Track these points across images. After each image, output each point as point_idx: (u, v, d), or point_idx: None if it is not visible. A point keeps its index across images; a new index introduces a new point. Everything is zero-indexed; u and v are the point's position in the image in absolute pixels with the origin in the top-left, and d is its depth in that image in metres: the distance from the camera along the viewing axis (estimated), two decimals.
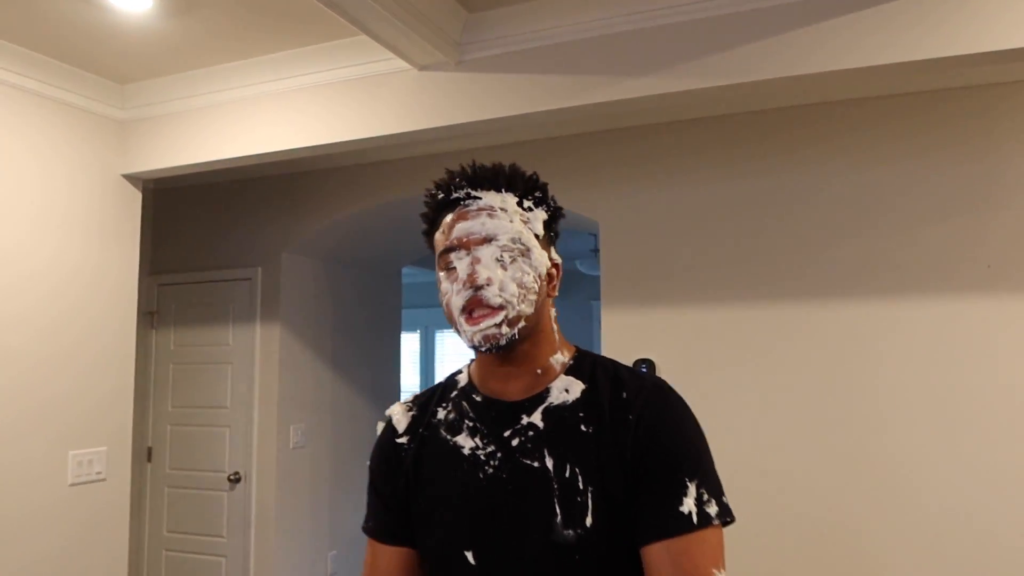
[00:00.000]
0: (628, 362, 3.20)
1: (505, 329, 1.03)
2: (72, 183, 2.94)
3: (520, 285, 1.04)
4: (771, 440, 3.02)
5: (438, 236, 1.10)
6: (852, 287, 2.98)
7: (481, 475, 1.07)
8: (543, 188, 1.12)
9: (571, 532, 1.00)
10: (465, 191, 1.08)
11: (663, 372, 3.18)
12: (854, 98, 3.05)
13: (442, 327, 9.30)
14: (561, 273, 1.14)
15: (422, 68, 2.65)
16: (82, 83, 2.93)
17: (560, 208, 1.15)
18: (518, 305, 1.04)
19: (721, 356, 3.14)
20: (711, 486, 1.00)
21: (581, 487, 1.01)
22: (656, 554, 0.97)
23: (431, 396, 1.20)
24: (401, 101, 2.70)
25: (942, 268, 2.88)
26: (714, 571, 0.96)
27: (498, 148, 3.52)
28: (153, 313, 4.35)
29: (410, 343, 9.26)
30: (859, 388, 2.93)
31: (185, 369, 4.29)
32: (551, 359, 1.11)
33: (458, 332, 1.06)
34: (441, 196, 1.11)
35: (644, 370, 2.97)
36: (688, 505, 0.97)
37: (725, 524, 1.00)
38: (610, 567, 1.01)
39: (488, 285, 1.02)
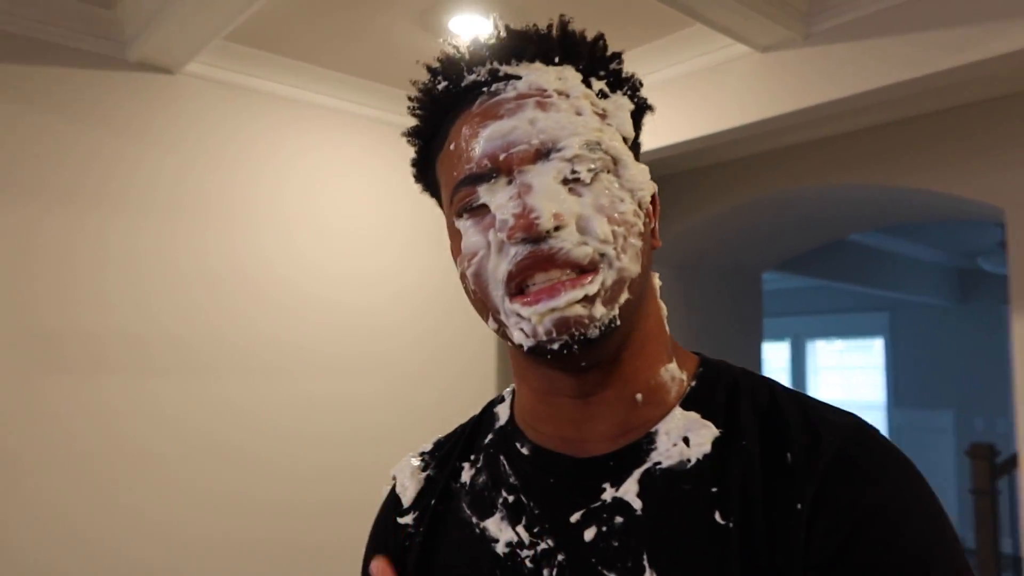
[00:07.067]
0: None
1: (600, 310, 0.56)
2: (436, 205, 3.19)
3: (617, 221, 0.58)
4: None
5: (446, 157, 0.64)
6: None
7: None
8: (619, 58, 0.66)
9: None
10: (489, 66, 0.62)
11: None
12: None
13: (815, 335, 8.56)
14: (659, 209, 0.66)
15: (764, 50, 2.37)
16: None
17: (646, 99, 0.67)
18: (617, 259, 0.57)
19: None
20: None
21: None
22: None
23: (456, 442, 0.75)
24: (744, 89, 2.45)
25: None
26: None
27: (860, 134, 3.06)
28: None
29: (777, 353, 8.70)
30: None
31: None
32: (661, 373, 0.63)
33: (498, 320, 0.60)
34: (444, 86, 0.64)
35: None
36: None
37: None
38: None
39: (560, 228, 0.56)
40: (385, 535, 0.73)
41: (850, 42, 2.22)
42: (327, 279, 2.87)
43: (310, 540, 2.75)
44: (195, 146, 2.57)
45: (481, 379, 3.30)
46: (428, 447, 0.77)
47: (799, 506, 0.54)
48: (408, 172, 2.73)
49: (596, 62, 0.64)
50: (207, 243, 2.58)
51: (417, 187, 2.77)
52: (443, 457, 0.73)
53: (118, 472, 2.33)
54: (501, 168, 0.59)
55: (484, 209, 0.60)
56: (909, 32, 2.09)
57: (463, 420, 2.81)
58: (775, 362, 8.73)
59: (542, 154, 0.58)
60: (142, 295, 2.42)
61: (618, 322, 0.58)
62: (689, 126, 2.61)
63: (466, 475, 0.69)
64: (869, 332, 8.08)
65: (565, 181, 0.58)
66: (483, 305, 0.61)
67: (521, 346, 0.59)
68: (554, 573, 0.59)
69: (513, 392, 0.73)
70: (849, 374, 8.39)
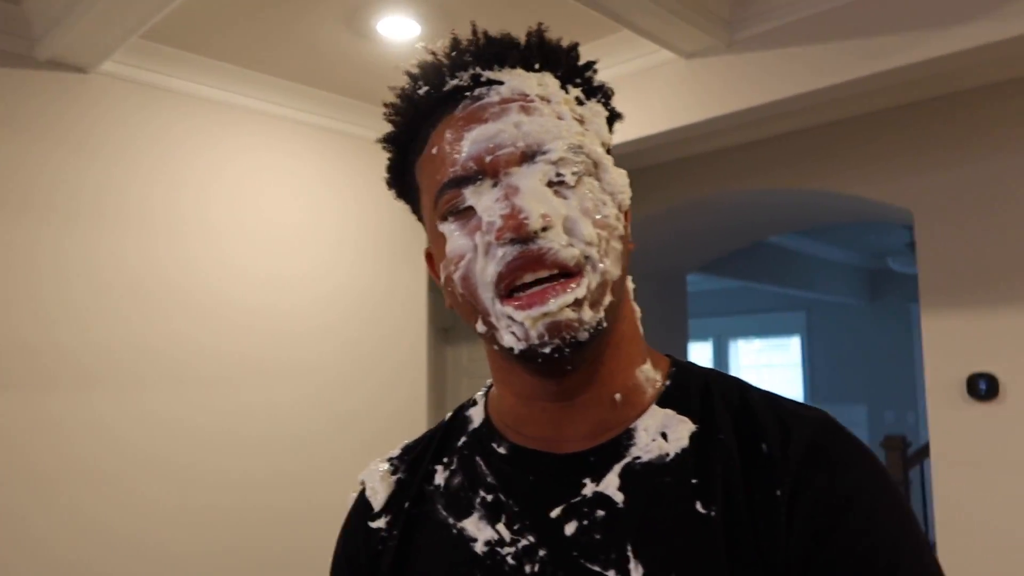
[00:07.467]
0: (961, 378, 2.67)
1: (588, 314, 0.57)
2: (363, 209, 3.15)
3: (600, 224, 0.59)
4: None
5: (427, 161, 0.64)
6: None
7: None
8: (593, 67, 0.68)
9: None
10: (471, 71, 0.63)
11: (1011, 390, 2.58)
12: None
13: (737, 335, 8.81)
14: (631, 213, 0.67)
15: (689, 56, 2.43)
16: (368, 115, 3.14)
17: (616, 107, 0.70)
18: (601, 262, 0.58)
19: None
20: None
21: None
22: None
23: (427, 446, 0.73)
24: (670, 94, 2.50)
25: None
26: None
27: (778, 139, 3.17)
28: (447, 329, 4.59)
29: (700, 353, 8.91)
30: None
31: (478, 383, 4.45)
32: (637, 373, 0.65)
33: (488, 323, 0.60)
34: (426, 91, 0.64)
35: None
36: None
37: None
38: None
39: (548, 228, 0.57)
40: (356, 541, 0.71)
41: (771, 50, 2.29)
42: (253, 284, 2.80)
43: (245, 547, 2.68)
44: (116, 150, 2.47)
45: (411, 384, 3.26)
46: (396, 452, 0.75)
47: (778, 492, 0.57)
48: (332, 175, 2.71)
49: (572, 70, 0.66)
50: (129, 251, 2.49)
51: (341, 189, 2.74)
52: (413, 461, 0.72)
53: (63, 481, 2.28)
54: (487, 170, 0.59)
55: (470, 212, 0.60)
56: (827, 40, 2.18)
57: (394, 425, 2.79)
58: (699, 362, 8.94)
59: (527, 157, 0.59)
60: (71, 307, 2.34)
61: (604, 324, 0.59)
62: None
63: (440, 477, 0.69)
64: (787, 331, 8.38)
65: (550, 183, 0.59)
66: (471, 308, 0.61)
67: (511, 349, 0.59)
68: (536, 568, 0.59)
69: (486, 395, 0.73)
70: (769, 372, 8.67)
